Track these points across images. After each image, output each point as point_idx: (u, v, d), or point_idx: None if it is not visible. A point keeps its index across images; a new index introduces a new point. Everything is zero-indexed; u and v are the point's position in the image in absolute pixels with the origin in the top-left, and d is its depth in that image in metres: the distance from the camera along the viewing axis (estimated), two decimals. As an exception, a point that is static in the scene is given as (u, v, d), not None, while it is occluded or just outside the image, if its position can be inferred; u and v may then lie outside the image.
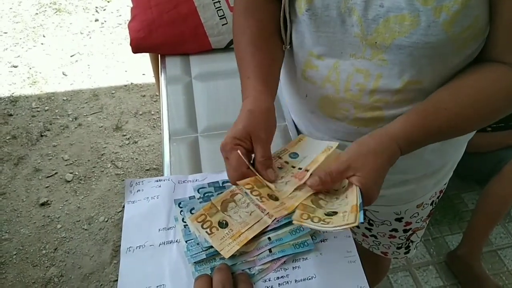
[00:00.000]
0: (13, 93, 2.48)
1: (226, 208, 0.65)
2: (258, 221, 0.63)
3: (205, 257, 0.61)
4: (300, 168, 0.64)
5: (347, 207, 0.56)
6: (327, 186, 0.60)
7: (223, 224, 0.62)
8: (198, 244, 0.62)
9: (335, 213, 0.56)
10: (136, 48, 1.04)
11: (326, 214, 0.57)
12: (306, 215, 0.57)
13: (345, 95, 0.69)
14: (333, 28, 0.64)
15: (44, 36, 2.87)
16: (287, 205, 0.59)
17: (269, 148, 0.62)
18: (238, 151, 0.59)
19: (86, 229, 1.87)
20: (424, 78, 0.63)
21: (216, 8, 1.04)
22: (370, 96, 0.67)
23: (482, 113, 0.62)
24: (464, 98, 0.61)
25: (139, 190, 0.70)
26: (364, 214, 0.55)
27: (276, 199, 0.60)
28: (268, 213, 0.64)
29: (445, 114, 0.61)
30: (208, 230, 0.62)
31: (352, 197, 0.57)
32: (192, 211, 0.65)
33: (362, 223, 0.54)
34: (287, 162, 0.66)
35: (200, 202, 0.67)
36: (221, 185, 0.70)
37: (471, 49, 0.61)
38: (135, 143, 2.23)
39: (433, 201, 0.93)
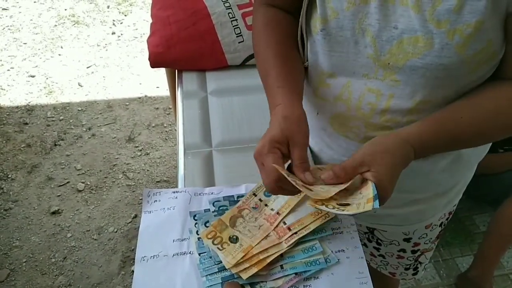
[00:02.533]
0: (29, 102, 2.53)
1: (235, 223, 0.66)
2: (267, 235, 0.64)
3: (217, 270, 0.62)
4: (272, 209, 0.65)
5: (362, 200, 0.56)
6: (340, 181, 0.59)
7: (233, 239, 0.63)
8: (211, 257, 0.63)
9: (348, 204, 0.57)
10: (154, 62, 1.07)
11: (339, 204, 0.57)
12: (320, 202, 0.57)
13: (356, 113, 0.70)
14: (346, 49, 0.65)
15: (61, 48, 2.94)
16: (244, 246, 0.61)
17: (306, 152, 0.62)
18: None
19: (95, 239, 1.89)
20: (435, 98, 0.64)
21: (233, 26, 1.07)
22: (381, 115, 0.68)
23: (498, 127, 0.63)
24: (481, 110, 0.62)
25: (156, 201, 0.72)
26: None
27: (236, 239, 0.63)
28: (276, 228, 0.65)
29: (460, 123, 0.61)
30: (219, 246, 0.63)
31: (367, 191, 0.57)
32: (207, 224, 0.66)
33: (377, 208, 0.54)
34: (261, 200, 0.68)
35: (214, 216, 0.68)
36: (236, 199, 0.72)
37: (483, 71, 0.62)
38: (147, 154, 2.25)
39: (442, 222, 0.93)
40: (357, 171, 0.59)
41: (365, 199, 0.56)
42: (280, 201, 0.67)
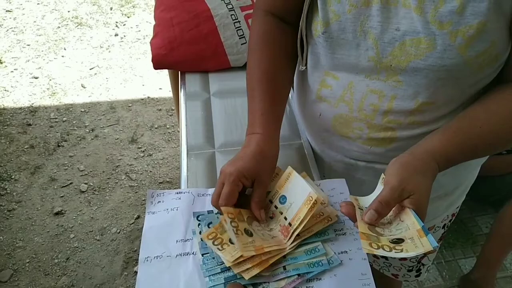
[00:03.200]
0: (32, 104, 2.54)
1: (251, 223, 0.66)
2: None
3: (220, 271, 0.62)
4: (286, 218, 0.66)
5: (412, 232, 0.55)
6: (385, 215, 0.58)
7: (249, 233, 0.63)
8: (213, 258, 0.63)
9: (401, 240, 0.55)
10: (158, 64, 1.07)
11: (392, 242, 0.55)
12: (375, 244, 0.55)
13: (358, 114, 0.70)
14: (348, 51, 0.66)
15: (65, 49, 2.95)
16: (256, 244, 0.61)
17: (266, 191, 0.67)
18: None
19: (98, 240, 1.89)
20: (437, 99, 0.64)
21: (236, 28, 1.07)
22: (384, 116, 0.68)
23: None
24: (498, 117, 0.62)
25: (159, 201, 0.72)
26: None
27: (251, 234, 0.63)
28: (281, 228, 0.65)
29: (480, 132, 0.61)
30: (219, 246, 0.63)
31: (410, 220, 0.55)
32: (210, 225, 0.67)
33: (437, 246, 0.53)
34: (276, 207, 0.68)
35: (217, 217, 0.69)
36: (238, 200, 0.72)
37: (486, 73, 0.62)
38: (150, 156, 2.26)
39: (445, 224, 0.93)
40: (399, 201, 0.57)
41: (414, 231, 0.54)
42: (293, 210, 0.66)
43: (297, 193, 0.66)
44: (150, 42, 1.10)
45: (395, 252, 0.53)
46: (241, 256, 0.60)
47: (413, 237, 0.54)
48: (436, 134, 0.62)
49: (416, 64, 0.60)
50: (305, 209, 0.63)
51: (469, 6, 0.55)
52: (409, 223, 0.56)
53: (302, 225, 0.63)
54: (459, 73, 0.60)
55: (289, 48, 0.74)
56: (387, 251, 0.53)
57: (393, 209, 0.58)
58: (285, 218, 0.66)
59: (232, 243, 0.63)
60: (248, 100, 0.73)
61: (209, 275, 0.62)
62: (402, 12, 0.59)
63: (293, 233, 0.64)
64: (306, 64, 0.74)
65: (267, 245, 0.62)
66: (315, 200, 0.62)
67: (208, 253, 0.64)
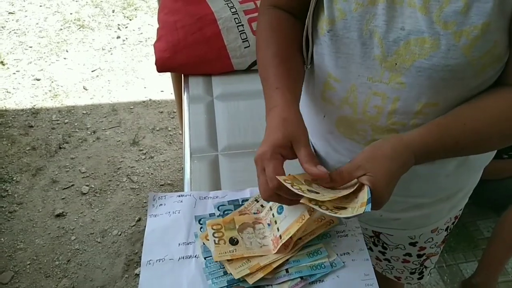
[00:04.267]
0: (34, 105, 2.55)
1: (243, 229, 0.66)
2: (263, 255, 0.64)
3: (222, 274, 0.62)
4: (278, 229, 0.65)
5: (357, 204, 0.57)
6: (337, 184, 0.61)
7: (233, 241, 0.64)
8: (216, 261, 0.63)
9: (344, 208, 0.57)
10: (161, 67, 1.08)
11: (336, 207, 0.57)
12: (314, 201, 0.56)
13: (363, 116, 0.70)
14: (352, 50, 0.66)
15: (67, 51, 2.96)
16: (236, 254, 0.61)
17: (310, 149, 0.62)
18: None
19: (99, 242, 1.89)
20: (441, 101, 0.64)
21: (239, 32, 1.07)
22: (388, 118, 0.68)
23: (502, 133, 0.63)
24: (484, 115, 0.62)
25: (161, 205, 0.72)
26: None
27: (236, 243, 0.63)
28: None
29: (463, 129, 0.61)
30: (216, 240, 0.63)
31: (363, 195, 0.57)
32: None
33: (368, 211, 0.54)
34: (273, 215, 0.67)
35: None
36: (240, 203, 0.72)
37: (489, 74, 0.62)
38: (151, 158, 2.26)
39: (448, 226, 0.93)
40: (353, 175, 0.59)
41: (359, 203, 0.56)
42: (285, 224, 0.65)
43: (293, 208, 0.64)
44: (154, 45, 1.10)
45: (329, 212, 0.55)
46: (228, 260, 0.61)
47: (355, 207, 0.56)
48: (419, 127, 0.62)
49: (420, 64, 0.60)
50: (296, 226, 0.62)
51: (474, 7, 0.55)
52: (359, 199, 0.57)
53: (290, 237, 0.63)
54: (462, 74, 0.60)
55: (299, 37, 0.73)
56: (322, 209, 0.56)
57: (355, 185, 0.59)
58: (278, 229, 0.66)
59: (230, 243, 0.63)
60: (262, 82, 0.71)
61: (212, 278, 0.62)
62: (408, 11, 0.60)
63: (282, 244, 0.64)
64: (310, 63, 0.74)
65: (247, 254, 0.62)
66: (307, 218, 0.62)
67: (211, 256, 0.64)
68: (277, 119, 0.62)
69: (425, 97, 0.64)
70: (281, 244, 0.63)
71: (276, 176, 0.57)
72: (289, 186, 0.56)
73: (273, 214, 0.68)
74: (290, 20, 0.74)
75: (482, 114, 0.62)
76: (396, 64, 0.63)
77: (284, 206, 0.66)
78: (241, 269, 0.61)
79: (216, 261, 0.62)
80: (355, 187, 0.59)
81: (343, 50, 0.66)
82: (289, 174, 0.60)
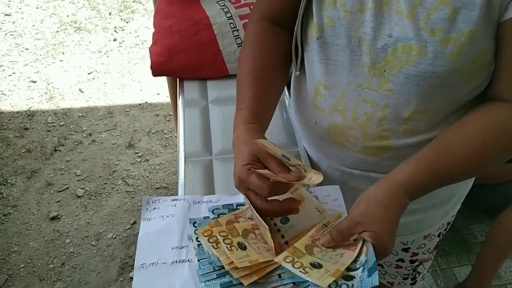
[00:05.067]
0: (30, 108, 2.54)
1: (247, 236, 0.66)
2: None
3: (215, 276, 0.62)
4: (283, 236, 0.66)
5: (333, 266, 0.57)
6: (339, 244, 0.60)
7: (241, 246, 0.64)
8: (210, 263, 0.63)
9: (320, 266, 0.57)
10: (156, 71, 1.08)
11: (311, 264, 0.58)
12: (290, 258, 0.58)
13: (353, 123, 0.70)
14: (342, 57, 0.66)
15: (63, 53, 2.96)
16: (251, 258, 0.61)
17: (279, 159, 0.62)
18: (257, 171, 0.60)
19: (94, 245, 1.89)
20: (430, 107, 0.65)
21: (234, 36, 1.08)
22: (378, 125, 0.68)
23: (491, 155, 0.62)
24: (472, 141, 0.60)
25: (155, 208, 0.72)
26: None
27: (245, 248, 0.62)
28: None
29: (453, 160, 0.60)
30: (214, 244, 0.63)
31: (347, 259, 0.57)
32: (206, 231, 0.67)
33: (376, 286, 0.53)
34: (275, 224, 0.68)
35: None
36: (235, 207, 0.72)
37: (477, 81, 0.63)
38: (147, 161, 2.26)
39: (440, 232, 0.94)
40: (353, 232, 0.58)
41: (335, 266, 0.56)
42: (293, 232, 0.66)
43: (303, 220, 0.66)
44: (149, 50, 1.11)
45: (300, 271, 0.56)
46: (247, 267, 0.61)
47: (329, 270, 0.56)
48: (407, 163, 0.61)
49: (408, 71, 0.61)
50: (307, 234, 0.64)
51: (461, 14, 0.56)
52: (344, 260, 0.58)
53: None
54: (450, 81, 0.61)
55: (282, 49, 0.74)
56: (295, 267, 0.57)
57: (358, 240, 0.59)
58: (282, 237, 0.66)
59: (240, 248, 0.63)
60: (237, 91, 0.72)
61: (205, 281, 0.62)
62: (395, 18, 0.60)
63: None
64: (299, 70, 0.74)
65: (262, 259, 0.62)
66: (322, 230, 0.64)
67: (205, 258, 0.64)
68: (239, 141, 0.64)
69: (414, 103, 0.64)
70: (286, 253, 0.63)
71: (213, 229, 0.63)
72: (221, 239, 0.61)
73: (274, 224, 0.68)
74: (275, 33, 0.74)
75: (470, 140, 0.61)
76: (384, 71, 0.63)
77: (289, 217, 0.66)
78: (242, 260, 0.61)
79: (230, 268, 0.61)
80: (359, 245, 0.58)
81: (332, 57, 0.67)
82: (232, 226, 0.64)
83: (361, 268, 0.57)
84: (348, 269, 0.57)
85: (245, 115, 0.67)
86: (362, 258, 0.57)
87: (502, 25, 0.57)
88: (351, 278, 0.56)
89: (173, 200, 0.74)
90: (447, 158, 0.60)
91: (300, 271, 0.57)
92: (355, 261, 0.58)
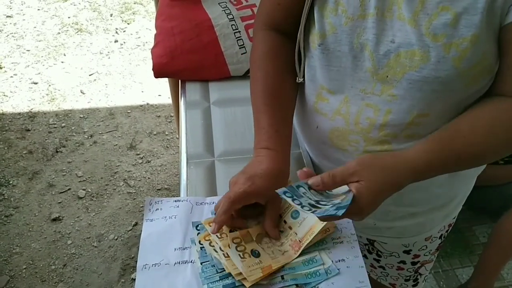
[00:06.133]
0: (31, 109, 2.55)
1: (261, 240, 0.66)
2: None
3: (218, 278, 0.63)
4: (296, 233, 0.67)
5: (268, 260, 0.63)
6: (326, 188, 0.60)
7: (255, 253, 0.64)
8: (213, 266, 0.63)
9: (258, 255, 0.62)
10: (158, 73, 1.08)
11: (252, 251, 0.63)
12: (238, 240, 0.64)
13: (355, 128, 0.70)
14: (344, 63, 0.66)
15: (64, 55, 2.96)
16: (264, 265, 0.62)
17: (277, 213, 0.68)
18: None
19: (95, 246, 1.89)
20: (432, 112, 0.65)
21: (236, 38, 1.08)
22: (380, 130, 0.68)
23: (499, 143, 0.62)
24: (482, 128, 0.61)
25: (157, 209, 0.73)
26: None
27: (258, 255, 0.63)
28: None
29: (463, 142, 0.61)
30: (241, 254, 0.63)
31: (285, 258, 0.63)
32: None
33: (338, 215, 0.54)
34: (285, 222, 0.69)
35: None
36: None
37: (480, 85, 0.63)
38: (148, 162, 2.26)
39: (442, 234, 0.94)
40: (346, 180, 0.58)
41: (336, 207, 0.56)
42: (304, 228, 0.66)
43: None
44: (151, 51, 1.11)
45: (239, 255, 0.62)
46: (260, 276, 0.61)
47: (262, 262, 0.62)
48: (419, 143, 0.62)
49: (411, 76, 0.61)
50: (319, 226, 0.65)
51: (463, 19, 0.56)
52: (286, 256, 0.63)
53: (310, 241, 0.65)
54: (453, 85, 0.61)
55: (291, 62, 0.75)
56: (238, 250, 0.63)
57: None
58: (295, 233, 0.67)
59: (253, 255, 0.63)
60: (254, 114, 0.73)
61: (208, 283, 0.62)
62: (397, 24, 0.60)
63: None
64: (303, 77, 0.75)
65: (275, 264, 0.62)
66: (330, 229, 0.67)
67: (207, 261, 0.64)
68: (271, 165, 0.66)
69: (416, 108, 0.64)
70: (303, 247, 0.64)
71: (228, 234, 0.66)
72: (233, 246, 0.63)
73: (284, 221, 0.68)
74: (284, 46, 0.75)
75: (479, 127, 0.61)
76: (387, 76, 0.63)
77: (299, 210, 0.65)
78: (253, 268, 0.61)
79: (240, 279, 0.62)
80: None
81: (334, 63, 0.67)
82: (246, 231, 0.67)
83: (333, 206, 0.56)
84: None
85: (279, 137, 0.70)
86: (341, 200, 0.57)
87: (505, 28, 0.57)
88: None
89: (175, 201, 0.74)
90: (457, 140, 0.61)
91: (239, 255, 0.61)
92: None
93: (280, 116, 0.71)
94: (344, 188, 0.59)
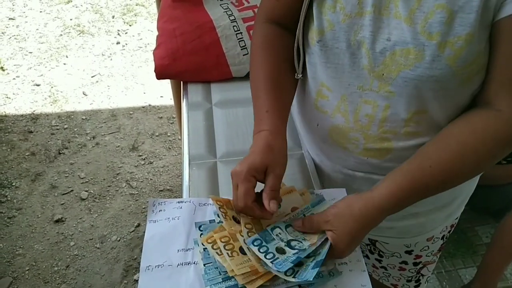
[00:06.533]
0: (34, 111, 2.55)
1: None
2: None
3: (221, 280, 0.63)
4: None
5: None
6: (304, 230, 0.66)
7: (243, 251, 0.64)
8: (216, 268, 0.63)
9: (244, 253, 0.63)
10: (160, 74, 1.08)
11: (240, 248, 0.63)
12: (226, 238, 0.64)
13: (354, 125, 0.71)
14: (342, 60, 0.67)
15: (67, 57, 2.97)
16: (252, 263, 0.62)
17: (280, 182, 0.65)
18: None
19: (98, 248, 1.89)
20: (430, 109, 0.65)
21: (238, 39, 1.08)
22: (379, 126, 0.69)
23: (469, 166, 0.62)
24: (450, 153, 0.61)
25: (161, 210, 0.73)
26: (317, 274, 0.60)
27: (245, 252, 0.64)
28: None
29: (430, 172, 0.61)
30: (218, 251, 0.63)
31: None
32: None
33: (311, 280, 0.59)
34: None
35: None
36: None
37: (476, 84, 0.63)
38: (151, 163, 2.27)
39: (444, 235, 0.93)
40: (321, 227, 0.64)
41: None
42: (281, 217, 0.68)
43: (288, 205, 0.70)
44: (153, 53, 1.11)
45: (227, 253, 0.62)
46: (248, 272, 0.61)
47: (250, 260, 0.62)
48: (387, 179, 0.63)
49: (406, 74, 0.61)
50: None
51: (458, 17, 0.56)
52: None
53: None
54: (448, 84, 0.61)
55: (291, 53, 0.75)
56: (226, 248, 0.63)
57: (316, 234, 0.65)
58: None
59: (241, 252, 0.64)
60: (253, 101, 0.73)
61: (211, 285, 0.62)
62: (393, 22, 0.61)
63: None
64: (302, 73, 0.75)
65: (261, 269, 0.62)
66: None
67: (210, 262, 0.64)
68: (263, 143, 0.65)
69: (413, 105, 0.65)
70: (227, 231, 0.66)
71: (212, 197, 0.68)
72: (221, 245, 0.63)
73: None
74: (283, 37, 0.75)
75: (447, 152, 0.62)
76: (383, 74, 0.64)
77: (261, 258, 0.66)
78: (242, 266, 0.61)
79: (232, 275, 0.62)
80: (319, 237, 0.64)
81: (332, 60, 0.68)
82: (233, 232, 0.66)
83: (313, 258, 0.62)
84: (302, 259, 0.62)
85: (272, 117, 0.69)
86: (319, 251, 0.63)
87: (494, 25, 0.57)
88: (301, 264, 0.62)
89: (178, 202, 0.74)
90: (424, 171, 0.62)
91: (227, 253, 0.62)
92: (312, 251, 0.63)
93: (275, 97, 0.71)
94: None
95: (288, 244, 0.64)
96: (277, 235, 0.65)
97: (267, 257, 0.61)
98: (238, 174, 0.63)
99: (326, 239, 0.63)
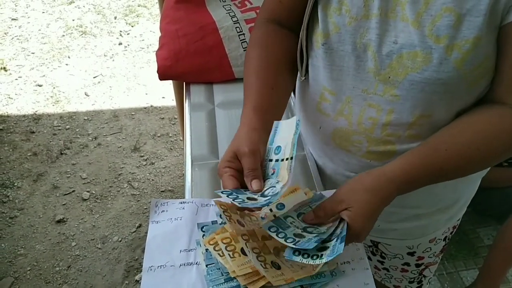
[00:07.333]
0: (36, 111, 2.56)
1: (278, 254, 0.66)
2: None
3: (223, 281, 0.63)
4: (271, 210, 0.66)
5: (289, 273, 0.61)
6: (320, 221, 0.62)
7: (276, 265, 0.64)
8: (218, 269, 0.64)
9: (279, 267, 0.61)
10: (163, 75, 1.09)
11: (272, 262, 0.62)
12: (257, 250, 0.62)
13: (357, 128, 0.71)
14: (347, 63, 0.66)
15: (69, 57, 2.98)
16: (286, 277, 0.61)
17: (255, 161, 0.61)
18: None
19: (99, 248, 1.89)
20: (435, 112, 0.65)
21: (240, 40, 1.09)
22: (383, 130, 0.68)
23: (483, 155, 0.62)
24: (465, 139, 0.61)
25: (163, 211, 0.73)
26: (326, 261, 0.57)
27: (279, 267, 0.63)
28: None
29: (445, 155, 0.61)
30: (220, 252, 0.63)
31: (305, 272, 0.61)
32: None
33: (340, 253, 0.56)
34: (271, 210, 0.66)
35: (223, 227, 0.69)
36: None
37: (482, 87, 0.63)
38: (152, 164, 2.27)
39: (446, 236, 0.93)
40: (336, 210, 0.60)
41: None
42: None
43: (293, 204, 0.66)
44: (156, 54, 1.11)
45: (261, 265, 0.61)
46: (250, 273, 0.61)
47: (284, 274, 0.61)
48: (399, 157, 0.62)
49: (413, 77, 0.61)
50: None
51: (466, 21, 0.56)
52: (305, 270, 0.61)
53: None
54: (455, 87, 0.61)
55: (289, 52, 0.74)
56: (259, 260, 0.61)
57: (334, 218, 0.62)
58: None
59: (243, 253, 0.64)
60: (244, 92, 0.71)
61: (213, 285, 0.62)
62: (400, 25, 0.60)
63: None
64: (305, 75, 0.75)
65: (297, 276, 0.62)
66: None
67: (213, 263, 0.64)
68: (237, 136, 0.64)
69: (419, 109, 0.64)
70: (321, 264, 0.62)
71: (213, 200, 0.65)
72: (223, 246, 0.63)
73: (271, 209, 0.68)
74: (281, 33, 0.74)
75: (463, 138, 0.61)
76: (389, 77, 0.64)
77: (284, 203, 0.64)
78: (244, 267, 0.61)
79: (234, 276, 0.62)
80: (320, 265, 0.60)
81: (337, 63, 0.67)
82: (263, 243, 0.65)
83: (336, 239, 0.59)
84: (324, 241, 0.59)
85: (249, 113, 0.67)
86: (338, 231, 0.60)
87: (502, 28, 0.57)
88: (325, 248, 0.59)
89: (181, 203, 0.74)
90: (439, 153, 0.61)
91: (261, 264, 0.60)
92: (331, 234, 0.60)
93: (264, 89, 0.69)
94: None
95: (305, 230, 0.61)
96: (291, 223, 0.62)
97: (288, 241, 0.58)
98: (218, 172, 0.62)
99: (341, 220, 0.60)
